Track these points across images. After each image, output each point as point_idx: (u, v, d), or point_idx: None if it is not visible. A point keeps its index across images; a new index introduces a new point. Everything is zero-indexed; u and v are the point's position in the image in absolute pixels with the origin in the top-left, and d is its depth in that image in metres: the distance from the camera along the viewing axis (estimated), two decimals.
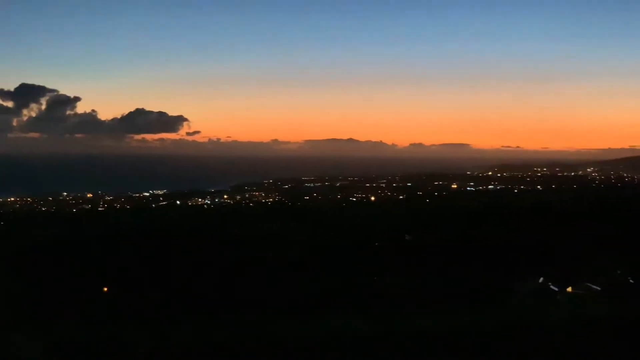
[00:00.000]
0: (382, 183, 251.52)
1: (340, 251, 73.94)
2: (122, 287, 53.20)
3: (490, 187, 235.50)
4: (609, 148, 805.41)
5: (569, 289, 50.17)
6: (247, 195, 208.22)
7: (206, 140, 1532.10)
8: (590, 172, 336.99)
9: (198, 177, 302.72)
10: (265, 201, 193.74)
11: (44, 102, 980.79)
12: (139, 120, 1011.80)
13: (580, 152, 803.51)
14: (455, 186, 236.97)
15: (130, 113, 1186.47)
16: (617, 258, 59.91)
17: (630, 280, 52.39)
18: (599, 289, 49.35)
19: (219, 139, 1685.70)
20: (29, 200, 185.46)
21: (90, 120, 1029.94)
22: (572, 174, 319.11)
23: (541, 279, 53.86)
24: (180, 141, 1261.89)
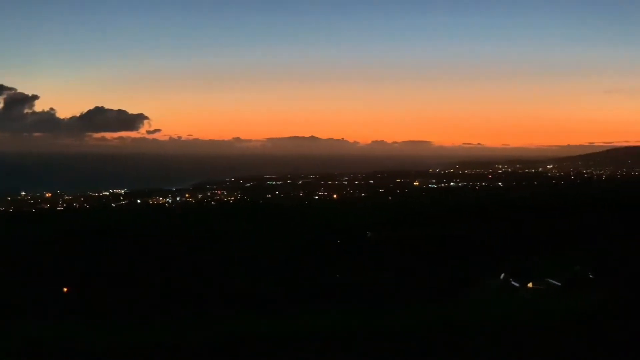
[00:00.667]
0: (345, 181, 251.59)
1: (302, 248, 73.81)
2: (82, 287, 52.52)
3: (452, 184, 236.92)
4: (568, 145, 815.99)
5: (530, 285, 50.45)
6: (208, 194, 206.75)
7: (167, 138, 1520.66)
8: (550, 168, 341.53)
9: (159, 176, 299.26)
10: (227, 199, 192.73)
11: (1, 100, 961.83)
12: (99, 118, 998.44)
13: (540, 149, 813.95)
14: (417, 183, 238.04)
15: (90, 111, 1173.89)
16: (577, 253, 60.46)
17: (590, 276, 52.81)
18: (558, 284, 49.68)
19: (180, 137, 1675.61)
20: None
21: (48, 119, 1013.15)
22: (533, 170, 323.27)
23: (503, 275, 54.14)
24: (141, 140, 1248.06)
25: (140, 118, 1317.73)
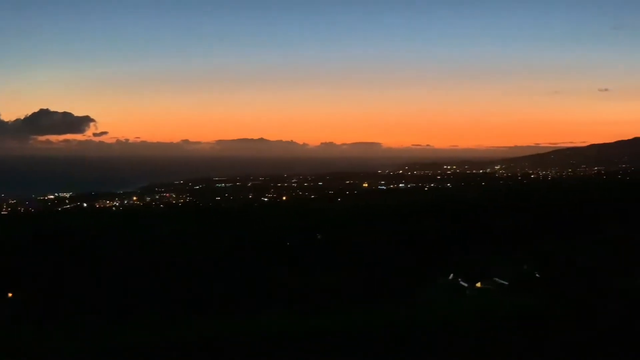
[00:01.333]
0: (294, 183, 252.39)
1: (251, 250, 73.37)
2: (26, 292, 51.34)
3: (401, 185, 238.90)
4: (515, 145, 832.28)
5: (478, 284, 50.86)
6: (157, 197, 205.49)
7: (114, 141, 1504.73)
8: (497, 169, 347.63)
9: (106, 179, 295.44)
10: (176, 202, 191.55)
11: None
12: (43, 121, 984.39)
13: (488, 150, 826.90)
14: (366, 185, 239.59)
15: (34, 114, 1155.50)
16: (525, 253, 61.28)
17: (537, 275, 53.54)
18: (506, 283, 50.18)
19: (127, 140, 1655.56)
20: None
21: None
22: (481, 171, 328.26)
23: (451, 275, 54.50)
24: (87, 142, 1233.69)
25: (86, 120, 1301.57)
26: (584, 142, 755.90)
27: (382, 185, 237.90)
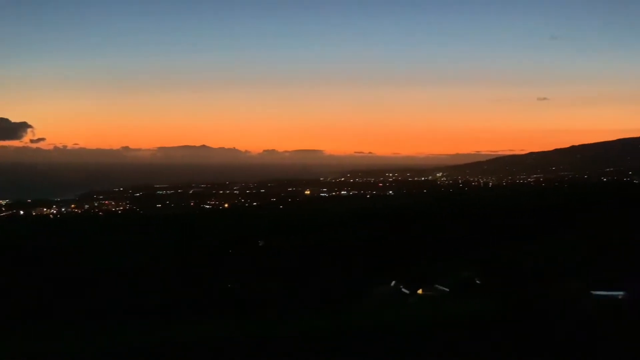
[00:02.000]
0: (236, 190, 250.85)
1: (192, 258, 72.60)
2: None
3: (343, 192, 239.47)
4: (457, 153, 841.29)
5: (420, 291, 50.89)
6: (96, 204, 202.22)
7: (52, 147, 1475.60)
8: (439, 176, 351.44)
9: (43, 186, 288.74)
10: (116, 210, 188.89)
11: None
12: None
13: (430, 158, 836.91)
14: (308, 192, 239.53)
15: None
16: (466, 260, 61.64)
17: (477, 281, 53.86)
18: (447, 290, 50.33)
19: (65, 147, 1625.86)
20: None
21: None
22: (422, 178, 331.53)
23: (393, 282, 54.46)
24: (24, 149, 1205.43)
25: (23, 126, 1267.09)
26: (523, 150, 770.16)
27: (324, 192, 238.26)
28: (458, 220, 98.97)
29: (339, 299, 47.43)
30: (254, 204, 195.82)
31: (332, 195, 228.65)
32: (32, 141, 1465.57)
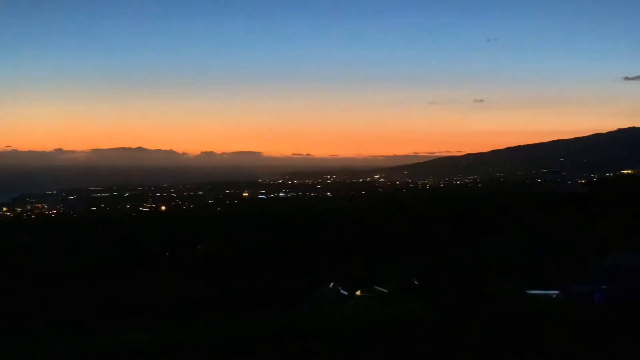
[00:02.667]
0: (173, 192, 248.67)
1: (129, 262, 71.35)
2: None
3: (281, 194, 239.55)
4: (394, 155, 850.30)
5: (358, 293, 50.85)
6: (28, 207, 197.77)
7: None
8: (377, 178, 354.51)
9: None
10: (49, 213, 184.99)
11: None
12: None
13: (368, 159, 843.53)
14: (246, 194, 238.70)
15: None
16: (405, 261, 61.94)
17: (415, 282, 54.11)
18: (386, 291, 50.39)
19: None
20: None
21: None
22: (361, 180, 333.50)
23: (332, 284, 54.33)
24: None
25: None
26: (460, 151, 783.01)
27: (262, 194, 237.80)
28: (396, 221, 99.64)
29: (275, 302, 47.12)
30: (192, 206, 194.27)
31: (271, 197, 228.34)
32: None
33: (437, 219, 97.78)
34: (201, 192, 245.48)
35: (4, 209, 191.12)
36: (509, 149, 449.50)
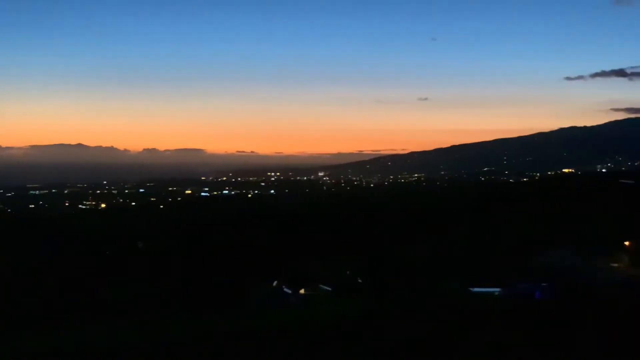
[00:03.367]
0: (114, 190, 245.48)
1: (68, 261, 69.86)
2: None
3: (225, 192, 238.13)
4: (339, 153, 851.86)
5: (302, 291, 50.77)
6: None
7: None
8: (322, 176, 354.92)
9: None
10: None
11: None
12: None
13: (313, 157, 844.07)
14: (189, 192, 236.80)
15: None
16: (349, 259, 62.00)
17: (359, 280, 54.29)
18: (329, 289, 50.42)
19: None
20: None
21: None
22: (305, 178, 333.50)
23: (275, 282, 54.15)
24: None
25: None
26: (405, 149, 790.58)
27: (205, 192, 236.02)
28: (341, 220, 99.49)
29: (218, 301, 46.61)
30: (133, 204, 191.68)
31: (214, 194, 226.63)
32: None
33: (381, 218, 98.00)
34: (143, 190, 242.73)
35: None
36: (453, 147, 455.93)
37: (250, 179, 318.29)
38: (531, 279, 46.06)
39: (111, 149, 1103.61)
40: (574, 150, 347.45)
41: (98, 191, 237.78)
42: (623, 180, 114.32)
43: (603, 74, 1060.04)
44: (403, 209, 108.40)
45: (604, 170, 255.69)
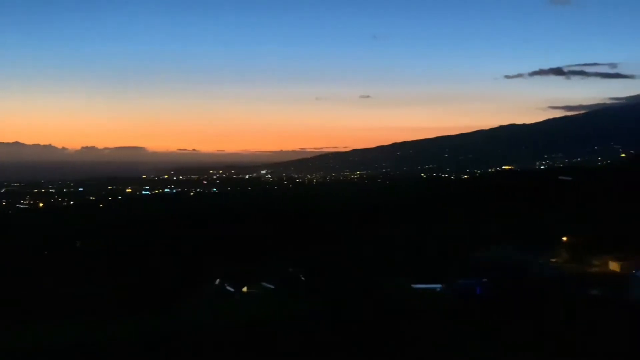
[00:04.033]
0: (52, 189, 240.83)
1: (3, 260, 68.27)
2: None
3: (166, 190, 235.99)
4: (281, 150, 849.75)
5: (245, 289, 50.55)
6: None
7: None
8: (264, 173, 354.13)
9: None
10: None
11: None
12: None
13: (255, 155, 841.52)
14: (130, 190, 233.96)
15: None
16: (292, 257, 61.97)
17: (302, 277, 54.31)
18: (272, 287, 50.31)
19: None
20: None
21: None
22: (247, 176, 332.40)
23: (218, 280, 53.83)
24: None
25: None
26: (347, 147, 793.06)
27: (146, 190, 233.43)
28: (284, 217, 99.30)
29: (161, 300, 46.13)
30: (71, 202, 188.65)
31: (155, 193, 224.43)
32: None
33: (324, 215, 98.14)
34: (82, 189, 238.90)
35: None
36: (394, 144, 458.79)
37: (192, 177, 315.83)
38: (472, 275, 46.66)
39: (49, 147, 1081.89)
40: (514, 148, 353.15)
41: (36, 190, 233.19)
42: (561, 177, 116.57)
43: (541, 72, 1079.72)
44: (345, 207, 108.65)
45: (542, 167, 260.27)
